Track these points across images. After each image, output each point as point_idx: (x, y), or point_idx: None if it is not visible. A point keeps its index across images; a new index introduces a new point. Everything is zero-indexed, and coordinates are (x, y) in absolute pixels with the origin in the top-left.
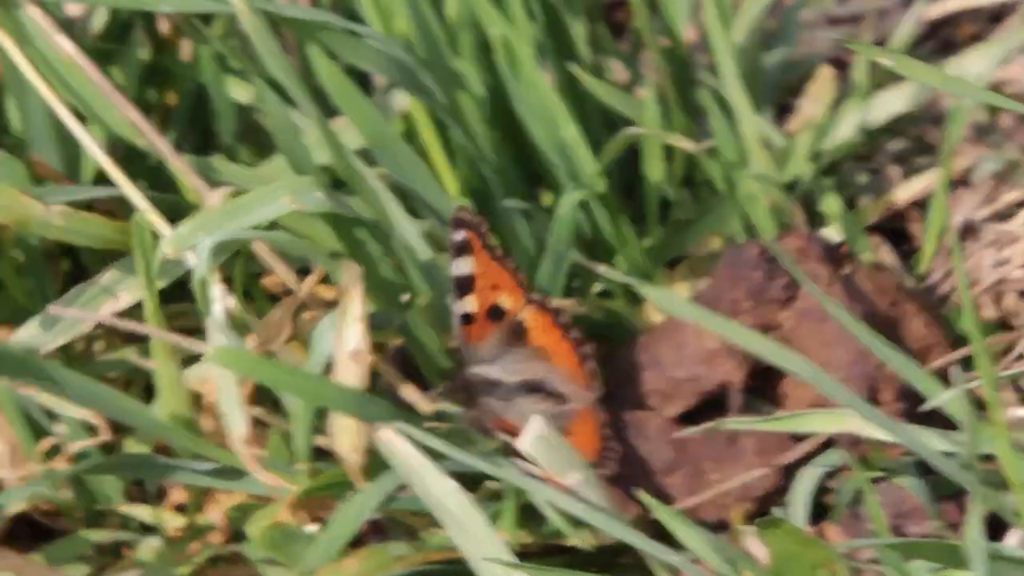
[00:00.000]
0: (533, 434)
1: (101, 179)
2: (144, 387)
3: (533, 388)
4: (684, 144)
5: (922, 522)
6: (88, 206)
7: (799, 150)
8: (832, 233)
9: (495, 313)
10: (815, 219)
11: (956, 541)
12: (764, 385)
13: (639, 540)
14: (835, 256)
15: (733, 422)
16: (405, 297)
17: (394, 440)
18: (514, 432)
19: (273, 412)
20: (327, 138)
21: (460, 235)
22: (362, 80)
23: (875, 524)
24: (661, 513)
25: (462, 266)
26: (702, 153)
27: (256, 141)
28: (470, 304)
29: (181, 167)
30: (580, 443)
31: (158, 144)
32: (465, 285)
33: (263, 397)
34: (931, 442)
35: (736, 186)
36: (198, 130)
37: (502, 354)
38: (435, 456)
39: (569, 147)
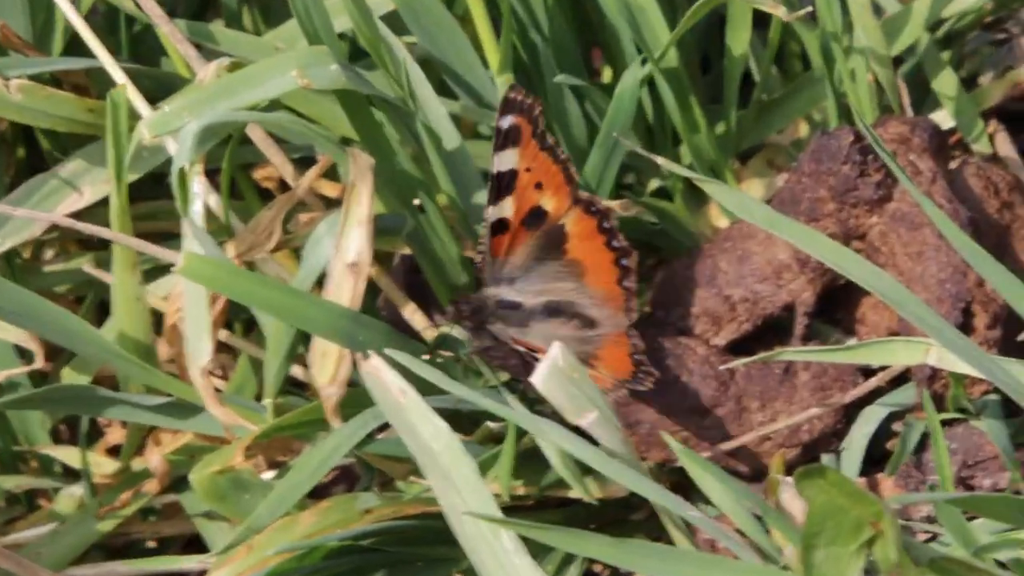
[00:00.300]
0: (548, 366)
1: (74, 50)
2: (98, 305)
3: (557, 311)
4: (778, 11)
5: (996, 474)
6: (56, 82)
7: (915, 16)
8: (943, 118)
9: (534, 218)
10: (925, 101)
11: None
12: (837, 307)
13: (652, 491)
14: (943, 146)
15: (792, 352)
16: (419, 198)
17: (382, 370)
18: (532, 355)
19: (245, 336)
20: None
21: (509, 120)
22: None
23: (940, 475)
24: (686, 459)
25: (506, 160)
26: (798, 21)
27: (264, 6)
28: (507, 208)
29: (172, 32)
30: (608, 368)
31: (146, 5)
32: (506, 184)
33: (235, 319)
34: None
35: (834, 60)
36: None
37: (528, 272)
38: (427, 391)
39: (639, 10)
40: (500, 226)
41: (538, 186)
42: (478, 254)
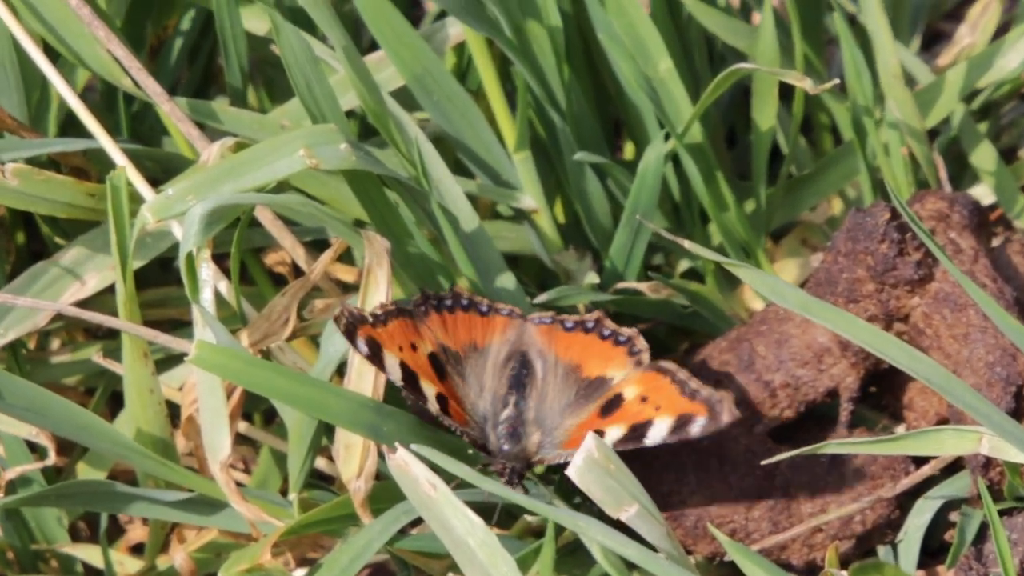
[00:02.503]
0: (583, 458)
1: (70, 130)
2: (109, 396)
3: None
4: (804, 84)
5: None
6: (53, 165)
7: (949, 87)
8: (983, 193)
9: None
10: (963, 175)
11: None
12: (882, 392)
13: None
14: (984, 223)
15: (838, 443)
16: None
17: (410, 463)
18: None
19: (265, 428)
20: (357, 74)
21: None
22: (409, 7)
23: (1002, 568)
24: (736, 552)
25: None
26: (827, 93)
27: (269, 82)
28: None
29: (172, 111)
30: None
31: (145, 83)
32: None
33: (255, 409)
34: None
35: (866, 134)
36: (198, 70)
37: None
38: (459, 486)
39: (661, 85)
40: None
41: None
42: None
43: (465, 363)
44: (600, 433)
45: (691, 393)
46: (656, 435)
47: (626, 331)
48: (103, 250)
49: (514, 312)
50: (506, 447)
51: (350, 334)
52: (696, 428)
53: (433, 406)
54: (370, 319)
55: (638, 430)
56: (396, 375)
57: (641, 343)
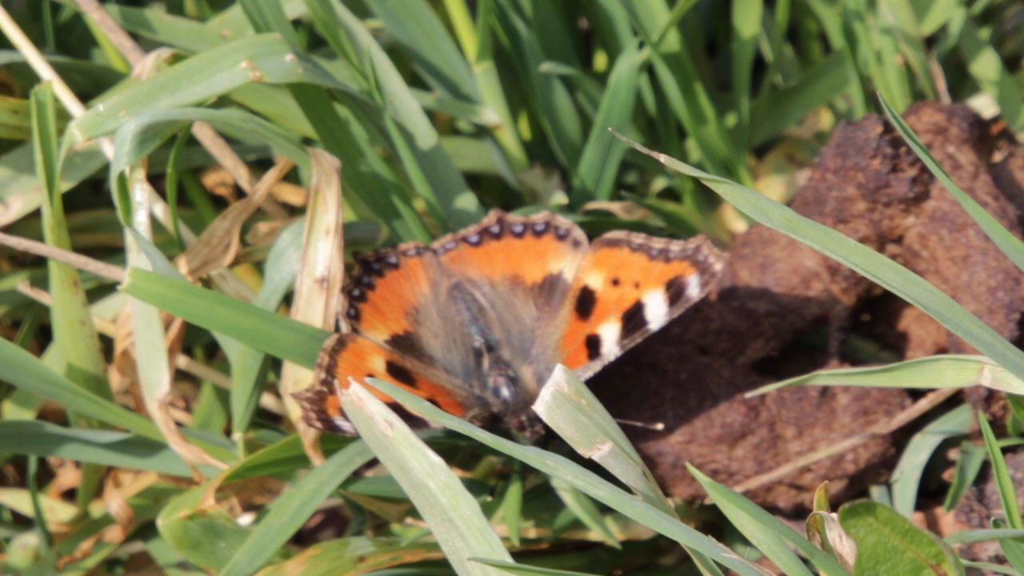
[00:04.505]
0: (551, 393)
1: None
2: (37, 329)
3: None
4: None
5: None
6: None
7: None
8: (984, 104)
9: None
10: (962, 86)
11: None
12: (876, 320)
13: (681, 532)
14: (985, 137)
15: (828, 375)
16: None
17: (365, 400)
18: None
19: (207, 363)
20: None
21: None
22: None
23: (1005, 509)
24: (717, 494)
25: None
26: None
27: None
28: None
29: (103, 20)
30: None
31: None
32: None
33: (195, 342)
34: None
35: (858, 41)
36: None
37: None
38: (419, 423)
39: None
40: None
41: None
42: None
43: (419, 342)
44: (595, 339)
45: (661, 254)
46: (656, 315)
47: (537, 217)
48: (28, 171)
49: (420, 248)
50: (506, 395)
51: (325, 421)
52: (694, 289)
53: (430, 414)
54: (323, 387)
55: (633, 318)
56: (391, 418)
57: (561, 221)
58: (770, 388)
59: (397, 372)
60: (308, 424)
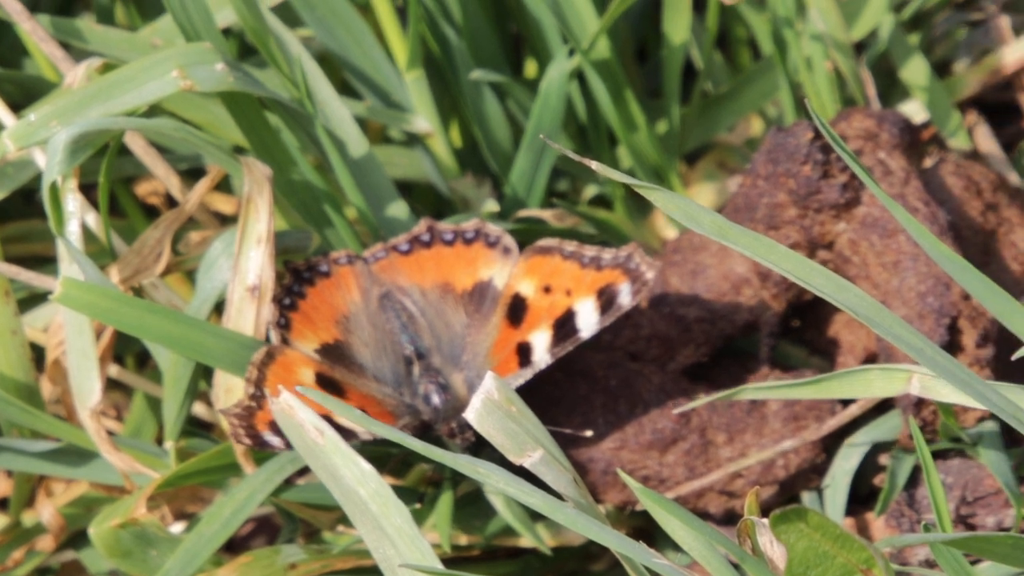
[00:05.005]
0: (481, 400)
1: None
2: None
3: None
4: None
5: (1000, 511)
6: None
7: None
8: (914, 110)
9: None
10: (892, 92)
11: None
12: (806, 326)
13: (611, 538)
14: (915, 142)
15: (756, 387)
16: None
17: (295, 408)
18: None
19: (138, 372)
20: None
21: None
22: None
23: (936, 514)
24: (648, 500)
25: None
26: (744, 3)
27: None
28: None
29: (34, 30)
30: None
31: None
32: None
33: (127, 351)
34: None
35: (788, 47)
36: None
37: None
38: (349, 435)
39: None
40: None
41: None
42: None
43: (350, 350)
44: (526, 346)
45: (593, 262)
46: (587, 323)
47: (467, 225)
48: None
49: (351, 256)
50: (437, 402)
51: (253, 436)
52: (625, 297)
53: (361, 422)
54: (252, 402)
55: (564, 326)
56: (322, 426)
57: (492, 228)
58: (699, 403)
59: (327, 383)
60: (237, 440)
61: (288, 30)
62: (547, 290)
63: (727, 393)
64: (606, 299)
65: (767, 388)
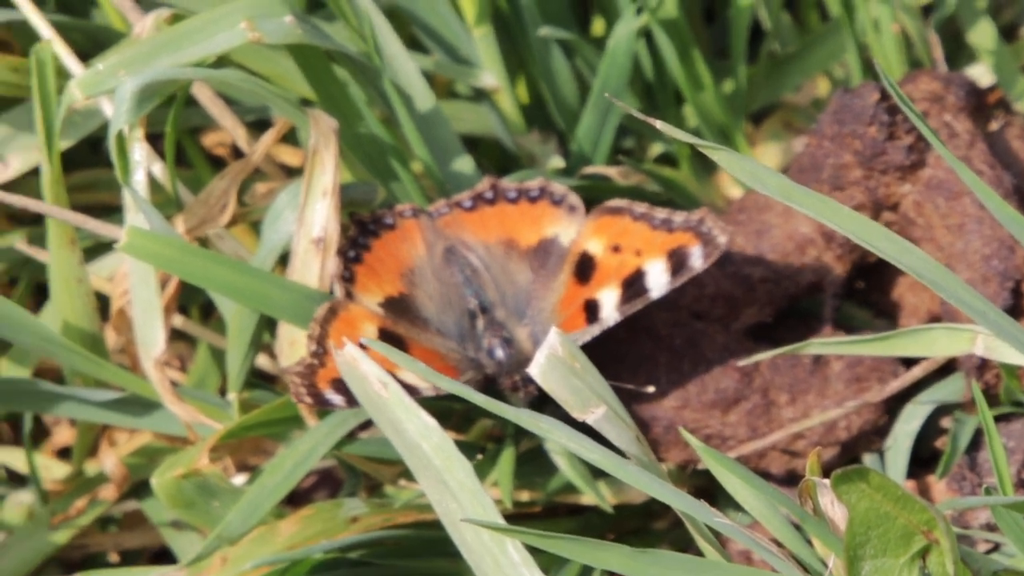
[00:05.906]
0: (545, 355)
1: None
2: (34, 287)
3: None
4: None
5: None
6: None
7: None
8: (981, 73)
9: None
10: (959, 55)
11: None
12: (870, 287)
13: (673, 496)
14: (981, 105)
15: (822, 343)
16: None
17: (359, 360)
18: None
19: (203, 323)
20: None
21: None
22: None
23: (997, 477)
24: (710, 459)
25: None
26: None
27: None
28: None
29: None
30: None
31: None
32: None
33: (192, 302)
34: None
35: (855, 9)
36: None
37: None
38: (412, 391)
39: None
40: None
41: None
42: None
43: (414, 303)
44: (594, 303)
45: (664, 224)
46: (657, 283)
47: (531, 183)
48: (27, 129)
49: (416, 210)
50: (501, 356)
51: (315, 395)
52: (697, 260)
53: (425, 380)
54: (314, 359)
55: (633, 285)
56: (385, 379)
57: (557, 187)
58: (764, 356)
59: (390, 338)
60: (298, 399)
61: None
62: (616, 249)
63: (792, 347)
64: (676, 261)
65: (832, 344)
